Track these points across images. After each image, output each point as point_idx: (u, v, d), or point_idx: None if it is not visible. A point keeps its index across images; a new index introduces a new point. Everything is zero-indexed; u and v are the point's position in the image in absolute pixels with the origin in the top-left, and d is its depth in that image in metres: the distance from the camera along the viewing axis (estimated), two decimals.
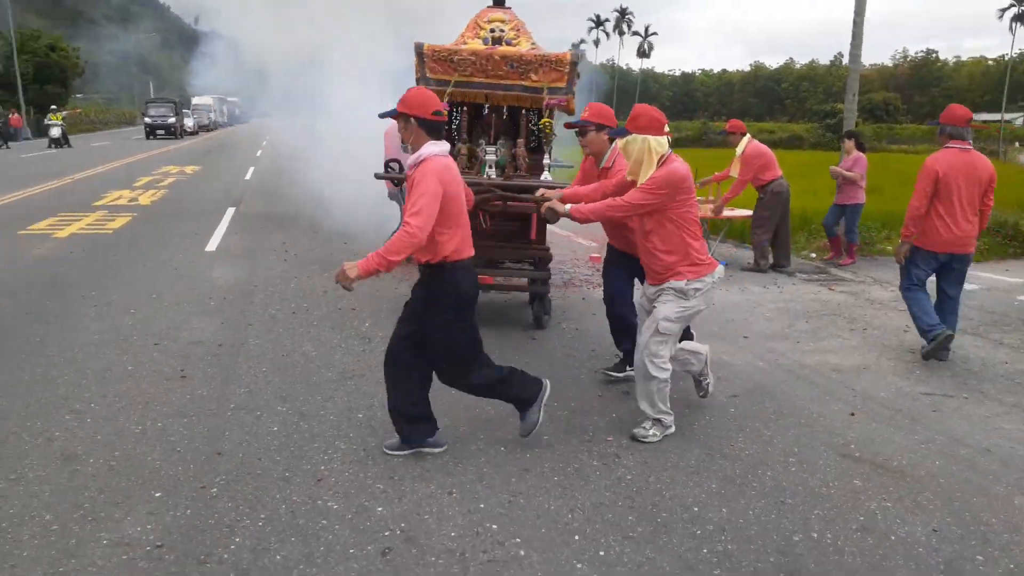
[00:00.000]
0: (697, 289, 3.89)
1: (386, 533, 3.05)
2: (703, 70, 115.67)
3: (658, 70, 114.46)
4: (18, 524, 3.05)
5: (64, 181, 16.60)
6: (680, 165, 3.86)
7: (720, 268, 4.02)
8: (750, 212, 8.85)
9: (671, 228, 3.87)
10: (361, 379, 4.77)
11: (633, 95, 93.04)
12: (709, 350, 4.45)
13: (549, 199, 4.32)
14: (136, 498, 3.26)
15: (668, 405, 4.01)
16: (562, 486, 3.47)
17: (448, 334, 3.59)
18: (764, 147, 8.37)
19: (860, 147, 8.88)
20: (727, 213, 8.88)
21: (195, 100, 49.79)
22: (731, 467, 3.71)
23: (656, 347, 3.92)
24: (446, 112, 5.39)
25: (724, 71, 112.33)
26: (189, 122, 44.46)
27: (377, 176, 5.87)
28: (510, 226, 5.92)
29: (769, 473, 3.65)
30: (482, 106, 6.08)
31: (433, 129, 3.45)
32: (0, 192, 14.01)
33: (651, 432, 3.97)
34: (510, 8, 6.09)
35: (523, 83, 5.55)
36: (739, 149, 8.25)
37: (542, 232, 5.89)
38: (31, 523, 3.06)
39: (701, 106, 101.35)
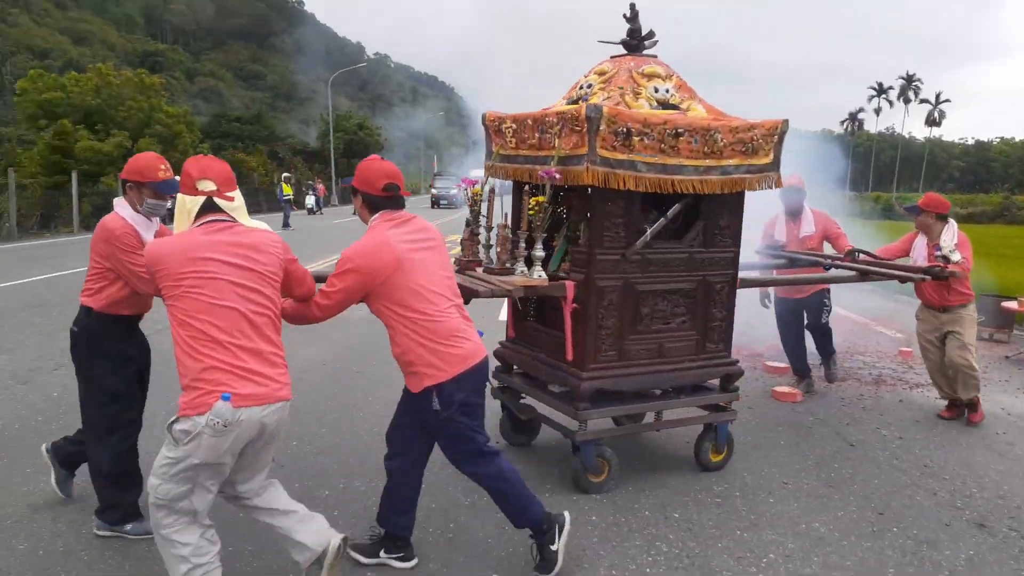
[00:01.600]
0: (186, 432, 2.66)
1: None
2: (1002, 138, 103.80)
3: (946, 138, 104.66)
4: None
5: None
6: (166, 241, 2.85)
7: (220, 405, 2.62)
8: None
9: (171, 319, 2.78)
10: (668, 474, 4.64)
11: (918, 166, 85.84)
12: (334, 544, 3.00)
13: None
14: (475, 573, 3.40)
15: None
16: None
17: None
18: None
19: None
20: None
21: (472, 173, 54.32)
22: None
23: (160, 517, 2.79)
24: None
25: None
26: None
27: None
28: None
29: None
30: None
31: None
32: (325, 254, 16.05)
33: None
34: (652, 56, 4.51)
35: (556, 153, 4.12)
36: None
37: (586, 340, 4.11)
38: None
39: (1000, 178, 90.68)
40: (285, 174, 31.00)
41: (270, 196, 34.60)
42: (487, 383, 3.30)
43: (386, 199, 3.21)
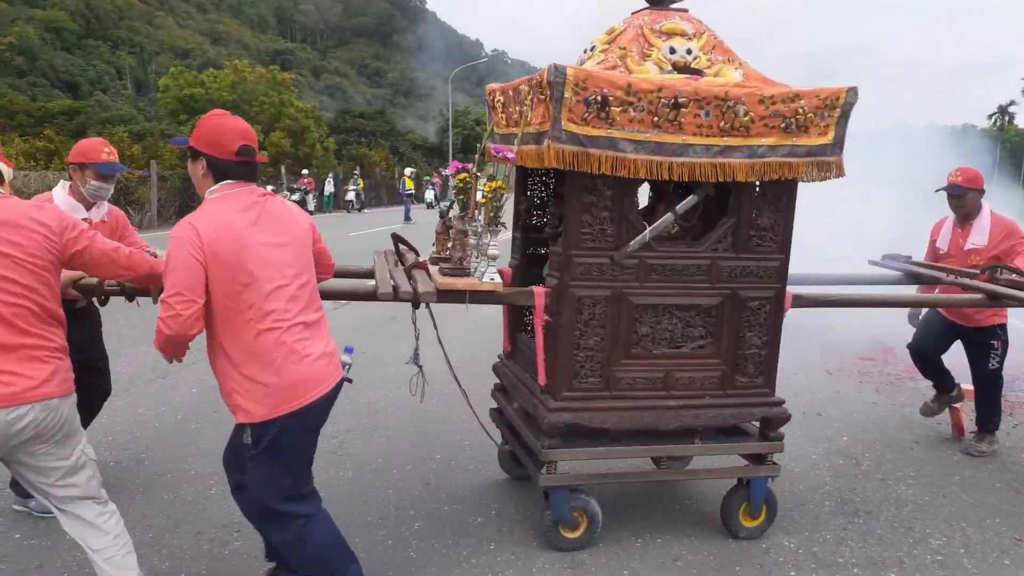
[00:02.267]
0: None
1: None
2: None
3: None
4: None
5: None
6: None
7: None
8: None
9: None
10: (871, 517, 3.92)
11: None
12: None
13: None
14: None
15: None
16: None
17: None
18: None
19: None
20: None
21: None
22: None
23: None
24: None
25: None
26: None
27: None
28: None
29: None
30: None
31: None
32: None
33: None
34: (680, 10, 3.49)
35: (521, 129, 3.36)
36: None
37: (559, 362, 3.27)
38: None
39: None
40: (408, 168, 31.35)
41: (391, 190, 35.20)
42: (320, 422, 2.67)
43: (240, 165, 2.55)
